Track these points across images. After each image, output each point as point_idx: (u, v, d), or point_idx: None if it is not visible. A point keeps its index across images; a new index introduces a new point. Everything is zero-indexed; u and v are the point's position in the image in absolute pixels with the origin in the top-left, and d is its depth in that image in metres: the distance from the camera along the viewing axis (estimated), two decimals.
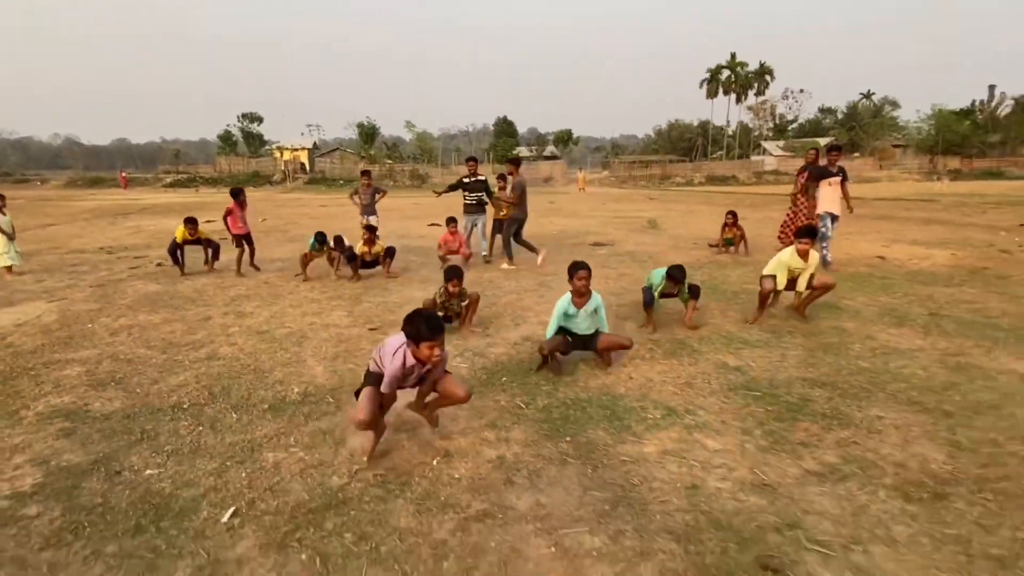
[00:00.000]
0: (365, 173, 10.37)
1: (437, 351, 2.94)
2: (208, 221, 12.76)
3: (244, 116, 69.42)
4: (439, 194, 10.22)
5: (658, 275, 5.70)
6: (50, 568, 2.30)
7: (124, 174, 52.19)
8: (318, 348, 5.09)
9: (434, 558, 2.35)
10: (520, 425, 3.53)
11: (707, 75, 67.04)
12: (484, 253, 9.57)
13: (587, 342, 4.51)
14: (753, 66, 65.70)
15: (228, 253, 9.08)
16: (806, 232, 5.56)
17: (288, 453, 3.22)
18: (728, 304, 6.47)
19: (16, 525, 2.58)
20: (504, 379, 4.31)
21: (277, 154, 60.57)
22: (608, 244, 11.64)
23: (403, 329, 2.97)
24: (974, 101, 69.56)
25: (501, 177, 9.58)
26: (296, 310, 6.46)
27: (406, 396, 3.39)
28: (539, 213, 19.81)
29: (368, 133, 60.96)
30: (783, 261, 5.59)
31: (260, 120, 70.46)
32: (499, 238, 9.20)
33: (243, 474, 3.00)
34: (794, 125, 78.03)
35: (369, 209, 9.84)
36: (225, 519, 2.60)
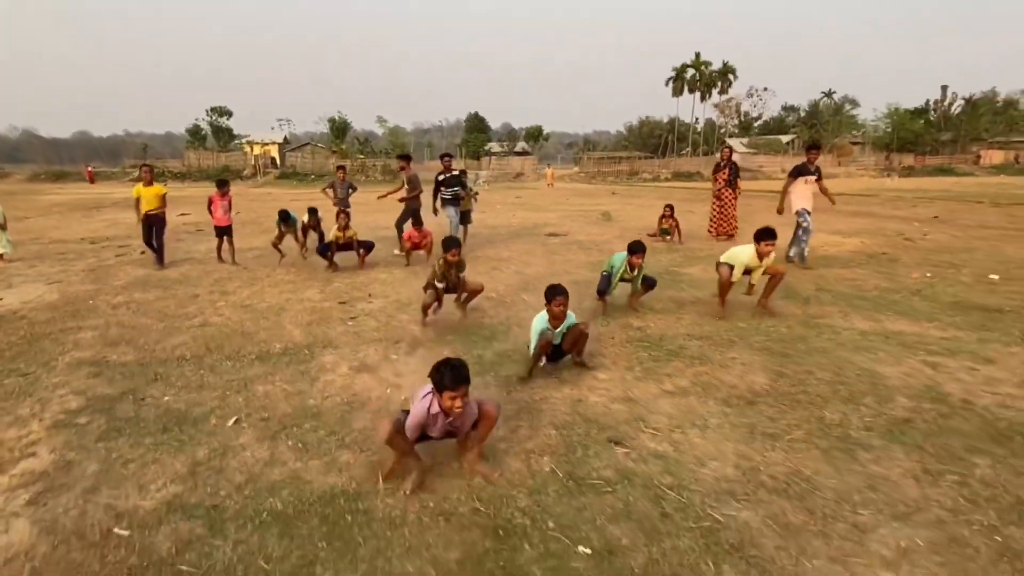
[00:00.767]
0: (341, 168, 11.13)
1: (459, 403, 2.76)
2: (182, 214, 13.34)
3: (213, 110, 68.79)
4: (437, 212, 10.21)
5: (619, 258, 5.92)
6: (106, 450, 3.23)
7: (90, 168, 51.60)
8: (295, 317, 6.01)
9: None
10: None
11: (672, 74, 68.73)
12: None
13: (557, 350, 4.44)
14: (717, 65, 67.55)
15: (208, 242, 9.85)
16: (768, 234, 5.58)
17: (274, 386, 4.17)
18: None
19: (74, 428, 3.50)
20: (450, 337, 5.31)
21: (247, 149, 60.44)
22: (562, 234, 12.70)
23: (429, 375, 2.82)
24: (928, 101, 72.68)
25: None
26: (274, 289, 7.35)
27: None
28: (505, 207, 20.84)
29: (339, 128, 61.11)
30: (741, 261, 5.72)
31: (229, 114, 69.89)
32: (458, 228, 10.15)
33: (240, 399, 3.94)
34: (759, 122, 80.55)
35: (344, 203, 10.63)
36: (230, 424, 3.55)
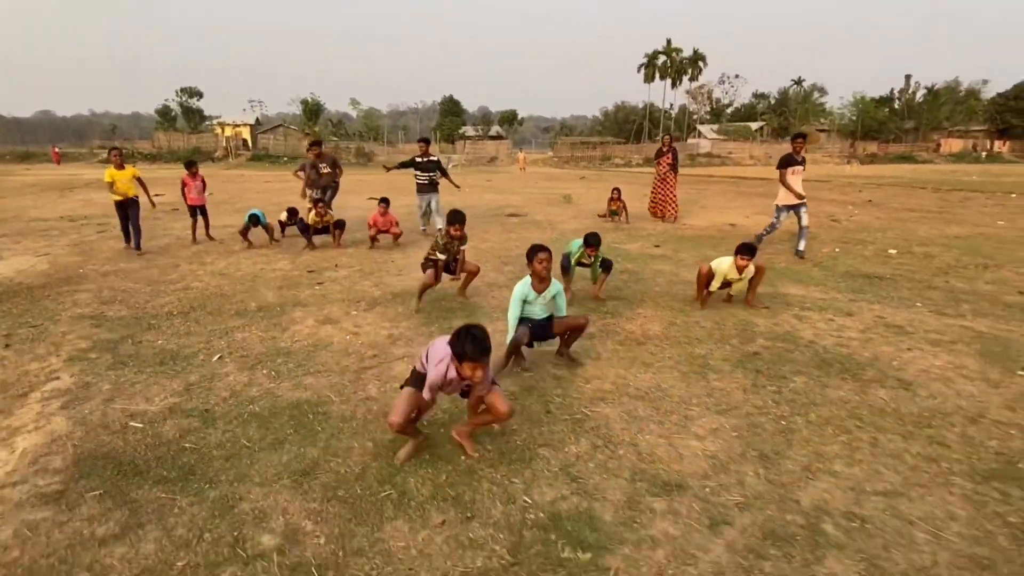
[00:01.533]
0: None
1: (480, 373, 2.86)
2: (157, 195, 13.80)
3: (183, 91, 67.97)
4: (388, 169, 11.61)
5: (576, 245, 6.20)
6: (116, 376, 4.03)
7: (57, 149, 50.78)
8: (268, 282, 6.80)
9: (354, 375, 4.19)
10: (409, 320, 5.39)
11: (644, 60, 69.62)
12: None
13: (544, 329, 4.33)
14: (687, 53, 68.61)
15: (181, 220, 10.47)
16: (745, 249, 5.65)
17: (251, 333, 4.99)
18: None
19: (86, 360, 4.30)
20: (401, 309, 6.17)
21: (218, 130, 59.86)
22: (522, 215, 13.58)
23: (449, 343, 2.88)
24: (892, 89, 74.90)
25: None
26: (248, 260, 8.10)
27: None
28: (474, 190, 21.58)
29: (312, 110, 60.79)
30: (721, 270, 5.77)
31: (200, 95, 69.11)
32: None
33: (223, 342, 4.75)
34: (730, 109, 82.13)
35: (323, 190, 10.10)
36: (215, 359, 4.38)
